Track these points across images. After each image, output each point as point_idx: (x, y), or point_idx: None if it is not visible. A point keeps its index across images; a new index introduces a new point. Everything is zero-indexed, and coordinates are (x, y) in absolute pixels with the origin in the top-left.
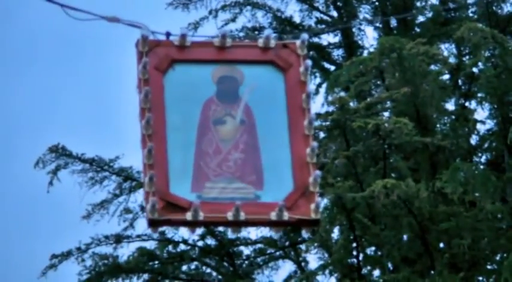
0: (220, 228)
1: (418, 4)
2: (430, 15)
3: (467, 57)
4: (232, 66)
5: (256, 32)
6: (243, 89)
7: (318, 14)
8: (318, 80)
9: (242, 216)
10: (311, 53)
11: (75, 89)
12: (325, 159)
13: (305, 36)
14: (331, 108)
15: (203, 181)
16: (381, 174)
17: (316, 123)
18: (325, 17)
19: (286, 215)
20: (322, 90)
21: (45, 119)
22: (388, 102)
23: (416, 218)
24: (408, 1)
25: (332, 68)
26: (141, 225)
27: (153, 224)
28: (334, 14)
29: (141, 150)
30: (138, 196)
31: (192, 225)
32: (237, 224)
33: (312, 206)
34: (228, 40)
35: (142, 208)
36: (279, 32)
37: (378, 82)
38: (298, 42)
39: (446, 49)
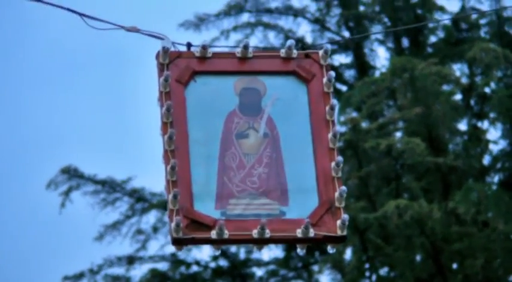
0: (233, 249)
1: (430, 24)
2: (442, 35)
3: (479, 77)
4: (254, 77)
5: None
6: (266, 101)
7: (329, 35)
8: None
9: (267, 233)
10: None
11: (89, 109)
12: None
13: (328, 46)
14: (343, 129)
15: (227, 197)
16: (394, 194)
17: None
18: (337, 37)
19: (312, 232)
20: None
21: (58, 140)
22: (400, 123)
23: (429, 238)
24: (420, 21)
25: (344, 88)
26: (154, 246)
27: (177, 242)
28: (346, 34)
29: (164, 166)
30: (151, 217)
31: (217, 243)
32: (263, 242)
33: (338, 222)
34: (249, 51)
35: (155, 229)
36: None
37: (390, 102)
38: (320, 52)
39: (459, 69)
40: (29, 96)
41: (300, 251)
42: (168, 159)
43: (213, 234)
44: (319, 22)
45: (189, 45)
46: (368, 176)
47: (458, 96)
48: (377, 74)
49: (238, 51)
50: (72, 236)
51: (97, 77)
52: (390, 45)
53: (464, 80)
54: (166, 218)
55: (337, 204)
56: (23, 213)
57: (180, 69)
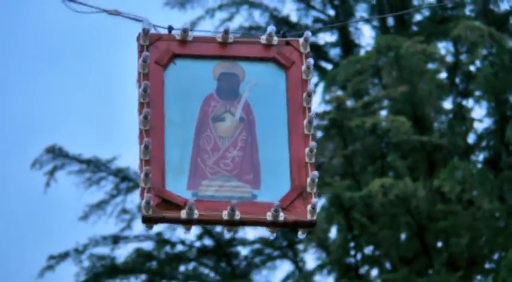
0: (218, 229)
1: (415, 2)
2: (427, 13)
3: (464, 55)
4: (234, 62)
5: (254, 31)
6: (244, 86)
7: (314, 13)
8: (315, 79)
9: (237, 215)
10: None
11: (74, 90)
12: (322, 159)
13: (308, 33)
14: (328, 107)
15: (200, 179)
16: (379, 173)
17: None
18: (322, 16)
19: (282, 216)
20: (320, 89)
21: (43, 119)
22: (386, 101)
23: (414, 217)
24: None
25: (329, 66)
26: (139, 226)
27: (147, 220)
28: (331, 12)
29: (138, 146)
30: (135, 197)
31: (186, 223)
32: (232, 224)
33: (309, 207)
34: (230, 36)
35: (140, 208)
36: (277, 31)
37: (375, 81)
38: (301, 39)
39: (444, 47)
40: (14, 77)
41: (271, 235)
42: (143, 138)
43: (183, 213)
44: (304, 1)
45: (170, 28)
46: (353, 155)
47: (443, 75)
48: (362, 52)
49: (219, 35)
50: (57, 216)
51: (81, 57)
52: (375, 23)
53: (449, 59)
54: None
55: (308, 189)
56: (8, 193)
57: (160, 51)
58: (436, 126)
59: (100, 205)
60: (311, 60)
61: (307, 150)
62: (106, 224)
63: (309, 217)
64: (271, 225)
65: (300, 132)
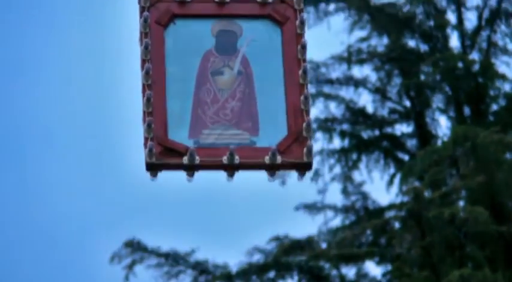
0: None
1: (492, 92)
2: (503, 103)
3: None
4: (231, 20)
5: (330, 123)
6: (242, 42)
7: (390, 104)
8: (391, 170)
9: (237, 160)
10: (384, 143)
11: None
12: (400, 250)
13: None
14: (405, 199)
15: (200, 128)
16: (458, 264)
17: (391, 213)
18: (398, 107)
19: (279, 159)
20: (397, 180)
21: (121, 214)
22: (463, 191)
23: None
24: (481, 90)
25: (406, 157)
26: None
27: (151, 167)
28: (407, 103)
29: (141, 99)
30: None
31: (188, 169)
32: (232, 168)
33: (305, 150)
34: None
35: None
36: (351, 123)
37: (452, 171)
38: None
39: None
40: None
41: (270, 179)
42: (145, 91)
43: (185, 160)
44: (379, 92)
45: None
46: (431, 246)
47: None
48: (439, 143)
49: None
50: None
51: None
52: (452, 114)
53: None
54: None
55: (304, 134)
56: None
57: (160, 12)
58: None
59: None
60: (304, 15)
61: (302, 98)
62: None
63: (305, 159)
64: (269, 167)
65: (296, 82)
